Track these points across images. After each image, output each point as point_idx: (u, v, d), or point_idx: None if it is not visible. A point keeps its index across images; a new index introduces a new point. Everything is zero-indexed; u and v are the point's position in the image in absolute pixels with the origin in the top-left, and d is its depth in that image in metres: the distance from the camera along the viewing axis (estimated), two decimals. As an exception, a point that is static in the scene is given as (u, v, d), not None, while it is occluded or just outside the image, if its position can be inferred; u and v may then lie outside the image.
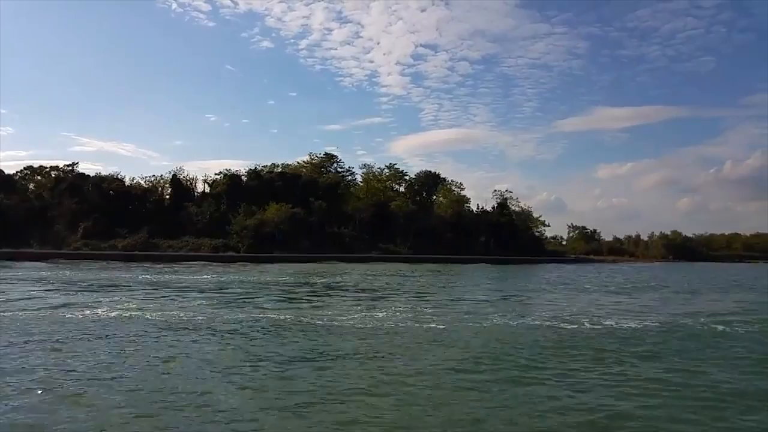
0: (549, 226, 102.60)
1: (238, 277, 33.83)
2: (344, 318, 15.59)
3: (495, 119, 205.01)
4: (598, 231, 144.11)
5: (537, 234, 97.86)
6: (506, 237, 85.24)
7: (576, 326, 14.74)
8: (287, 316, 15.72)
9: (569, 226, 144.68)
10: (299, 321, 14.92)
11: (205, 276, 34.67)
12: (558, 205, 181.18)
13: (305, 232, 73.97)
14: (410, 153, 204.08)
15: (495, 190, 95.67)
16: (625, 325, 15.08)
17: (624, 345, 12.11)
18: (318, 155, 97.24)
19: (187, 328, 13.54)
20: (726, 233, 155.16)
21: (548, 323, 15.15)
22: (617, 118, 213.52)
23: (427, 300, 21.75)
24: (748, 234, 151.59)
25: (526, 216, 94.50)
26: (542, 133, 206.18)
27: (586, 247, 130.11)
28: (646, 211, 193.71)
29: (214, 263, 54.76)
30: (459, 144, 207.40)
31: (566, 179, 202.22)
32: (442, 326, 14.40)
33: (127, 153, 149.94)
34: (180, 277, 33.76)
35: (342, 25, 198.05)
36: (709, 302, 23.33)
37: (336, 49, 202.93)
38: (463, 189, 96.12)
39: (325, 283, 30.32)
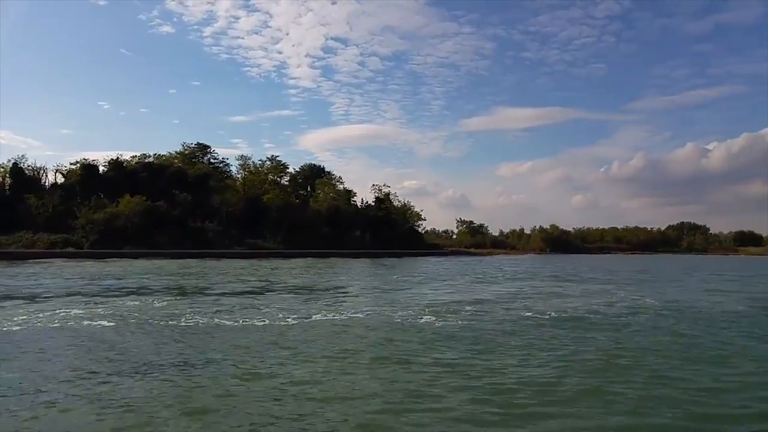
0: (425, 219, 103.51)
1: None
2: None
3: (404, 116, 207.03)
4: (485, 225, 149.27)
5: (416, 228, 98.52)
6: (383, 231, 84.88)
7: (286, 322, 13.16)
8: None
9: (458, 221, 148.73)
10: None
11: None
12: (463, 202, 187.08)
13: (164, 227, 69.15)
14: (321, 147, 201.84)
15: (373, 185, 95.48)
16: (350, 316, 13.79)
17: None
18: (190, 146, 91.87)
19: None
20: (606, 227, 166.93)
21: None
22: (519, 118, 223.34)
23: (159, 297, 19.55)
24: (619, 228, 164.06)
25: (404, 210, 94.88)
26: (449, 131, 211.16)
27: (472, 240, 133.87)
28: (544, 207, 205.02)
29: (47, 260, 49.14)
30: (370, 140, 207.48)
31: (471, 176, 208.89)
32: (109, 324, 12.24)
33: (1, 141, 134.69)
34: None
35: (249, 13, 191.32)
36: (477, 291, 23.02)
37: (243, 38, 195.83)
38: (342, 183, 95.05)
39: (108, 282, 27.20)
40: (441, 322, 13.81)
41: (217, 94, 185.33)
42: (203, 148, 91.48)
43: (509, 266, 53.11)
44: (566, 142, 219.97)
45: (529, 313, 15.85)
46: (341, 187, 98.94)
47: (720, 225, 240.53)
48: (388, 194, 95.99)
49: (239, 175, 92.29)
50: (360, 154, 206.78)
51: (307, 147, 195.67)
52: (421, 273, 38.94)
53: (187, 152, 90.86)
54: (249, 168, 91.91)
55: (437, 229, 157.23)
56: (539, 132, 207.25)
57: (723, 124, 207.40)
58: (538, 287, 26.35)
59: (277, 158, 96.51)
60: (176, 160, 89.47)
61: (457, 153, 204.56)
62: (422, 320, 14.24)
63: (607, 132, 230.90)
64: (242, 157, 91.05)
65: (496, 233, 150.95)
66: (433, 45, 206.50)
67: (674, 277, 37.61)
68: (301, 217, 79.14)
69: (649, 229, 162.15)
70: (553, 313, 15.77)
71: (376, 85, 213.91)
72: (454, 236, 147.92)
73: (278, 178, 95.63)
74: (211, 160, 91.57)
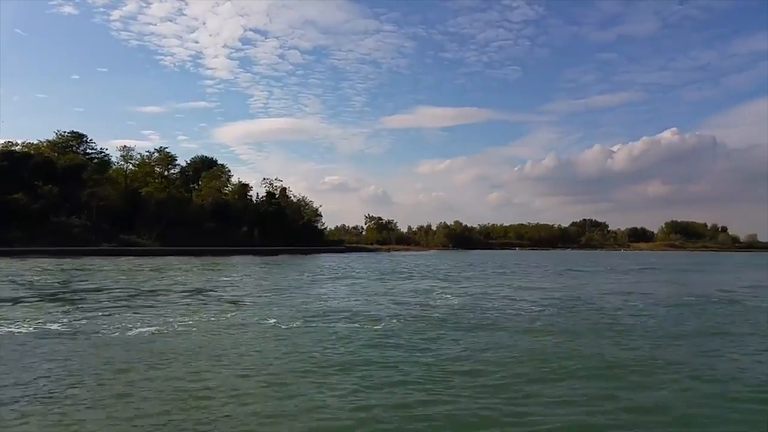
0: (321, 215, 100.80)
1: None
2: None
3: (325, 111, 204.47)
4: (394, 221, 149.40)
5: (315, 223, 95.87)
6: (274, 227, 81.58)
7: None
8: None
9: (366, 217, 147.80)
10: None
11: None
12: (385, 198, 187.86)
13: (20, 222, 62.34)
14: (238, 141, 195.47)
15: (264, 179, 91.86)
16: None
17: None
18: (64, 134, 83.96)
19: None
20: (515, 224, 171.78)
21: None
22: (439, 117, 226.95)
23: None
24: (524, 224, 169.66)
25: (300, 206, 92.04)
26: (371, 127, 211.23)
27: (379, 236, 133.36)
28: (462, 203, 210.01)
29: None
30: (289, 134, 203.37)
31: (392, 173, 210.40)
32: None
33: None
34: None
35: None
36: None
37: (155, 24, 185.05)
38: (231, 176, 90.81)
39: None
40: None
41: (127, 82, 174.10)
42: (78, 137, 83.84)
43: (386, 263, 51.92)
44: (483, 142, 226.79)
45: (277, 322, 13.83)
46: (237, 180, 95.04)
47: (622, 222, 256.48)
48: (284, 189, 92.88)
49: (122, 167, 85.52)
50: (280, 149, 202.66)
51: (224, 140, 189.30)
52: (291, 272, 36.48)
53: (60, 141, 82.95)
54: (132, 160, 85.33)
55: (347, 225, 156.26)
56: (458, 131, 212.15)
57: (626, 127, 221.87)
58: (368, 286, 24.75)
59: (166, 150, 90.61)
60: (46, 150, 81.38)
61: (378, 149, 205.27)
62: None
63: (522, 132, 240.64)
64: (124, 147, 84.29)
65: (413, 229, 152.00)
66: (355, 41, 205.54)
67: (529, 273, 37.51)
68: (182, 212, 74.28)
69: (551, 225, 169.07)
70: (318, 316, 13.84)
71: (297, 79, 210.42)
72: (363, 231, 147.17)
73: (165, 171, 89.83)
74: (88, 151, 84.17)
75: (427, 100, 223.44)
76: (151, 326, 12.08)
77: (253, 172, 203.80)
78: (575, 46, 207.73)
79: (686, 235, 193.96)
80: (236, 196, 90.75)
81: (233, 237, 75.75)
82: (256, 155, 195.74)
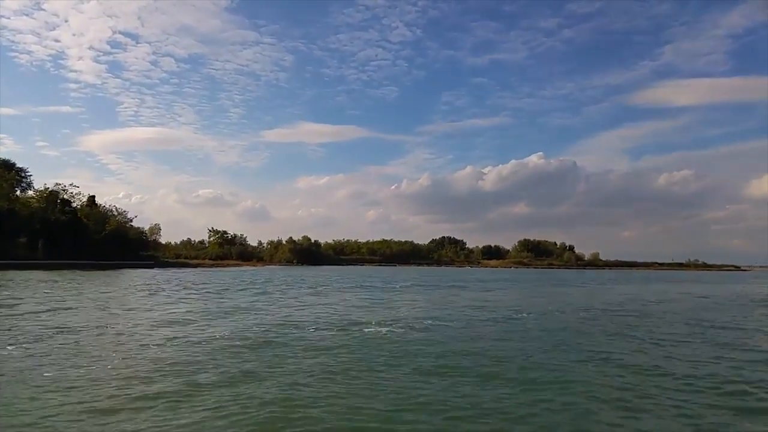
0: (131, 226, 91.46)
1: None
2: None
3: (200, 122, 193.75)
4: (241, 235, 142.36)
5: (143, 237, 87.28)
6: (68, 238, 72.97)
7: None
8: None
9: (210, 230, 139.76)
10: None
11: None
12: (262, 213, 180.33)
13: None
14: (106, 150, 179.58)
15: (57, 183, 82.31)
16: None
17: None
18: None
19: None
20: (373, 240, 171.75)
21: None
22: (318, 134, 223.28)
23: None
24: (383, 240, 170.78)
25: (108, 216, 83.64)
26: (248, 140, 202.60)
27: (219, 251, 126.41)
28: (340, 220, 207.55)
29: None
30: (162, 144, 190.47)
31: (270, 188, 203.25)
32: None
33: None
34: None
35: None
36: None
37: (8, 18, 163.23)
38: (28, 180, 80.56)
39: None
40: None
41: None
42: None
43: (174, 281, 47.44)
44: (362, 160, 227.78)
45: None
46: (45, 187, 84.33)
47: (487, 240, 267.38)
48: (93, 197, 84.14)
49: None
50: (150, 159, 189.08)
51: (90, 148, 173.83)
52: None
53: None
54: None
55: (193, 239, 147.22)
56: (337, 148, 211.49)
57: (496, 150, 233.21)
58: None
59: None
60: None
61: (255, 163, 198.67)
62: None
63: (400, 152, 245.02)
64: None
65: (264, 244, 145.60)
66: (233, 51, 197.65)
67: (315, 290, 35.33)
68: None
69: (403, 242, 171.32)
70: None
71: (171, 87, 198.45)
72: (206, 245, 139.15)
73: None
74: None
75: (307, 116, 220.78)
76: None
77: (121, 183, 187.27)
78: (451, 69, 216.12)
79: (537, 253, 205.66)
80: (44, 205, 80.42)
81: (8, 249, 66.34)
82: (125, 165, 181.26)
